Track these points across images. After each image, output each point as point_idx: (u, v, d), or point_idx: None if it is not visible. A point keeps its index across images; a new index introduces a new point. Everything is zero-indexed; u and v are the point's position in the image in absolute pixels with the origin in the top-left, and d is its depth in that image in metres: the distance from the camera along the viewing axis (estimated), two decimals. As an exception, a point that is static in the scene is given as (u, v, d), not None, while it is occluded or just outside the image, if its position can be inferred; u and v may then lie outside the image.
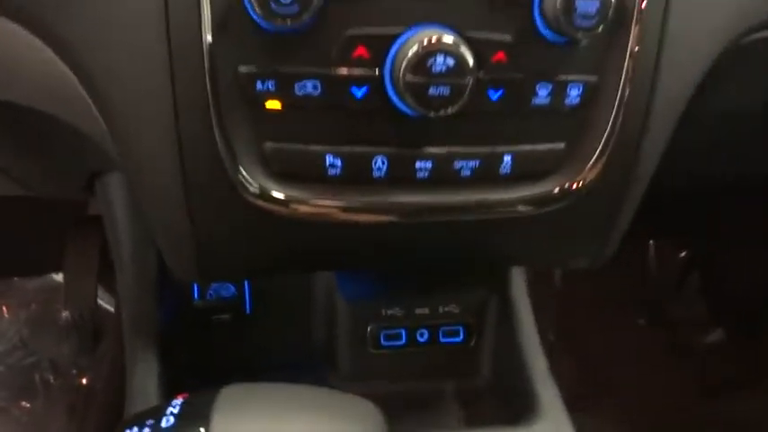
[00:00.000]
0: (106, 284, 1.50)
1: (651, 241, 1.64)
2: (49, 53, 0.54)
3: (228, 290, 0.82)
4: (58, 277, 1.55)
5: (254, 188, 0.55)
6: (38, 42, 0.54)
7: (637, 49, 0.56)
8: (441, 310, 0.81)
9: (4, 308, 1.51)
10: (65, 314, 1.48)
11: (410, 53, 0.50)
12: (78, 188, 0.89)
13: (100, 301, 1.50)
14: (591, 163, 0.58)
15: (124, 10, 0.50)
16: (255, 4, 0.47)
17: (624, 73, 0.56)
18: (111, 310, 1.48)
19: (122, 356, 0.84)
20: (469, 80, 0.51)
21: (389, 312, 0.80)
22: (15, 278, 1.55)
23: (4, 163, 0.84)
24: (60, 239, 1.47)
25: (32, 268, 1.55)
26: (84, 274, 1.46)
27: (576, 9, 0.50)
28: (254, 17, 0.48)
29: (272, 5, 0.47)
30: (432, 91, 0.50)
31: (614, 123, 0.57)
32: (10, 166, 0.85)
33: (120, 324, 0.87)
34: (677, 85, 0.60)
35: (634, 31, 0.55)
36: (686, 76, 0.61)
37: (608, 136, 0.58)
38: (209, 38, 0.50)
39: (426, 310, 0.81)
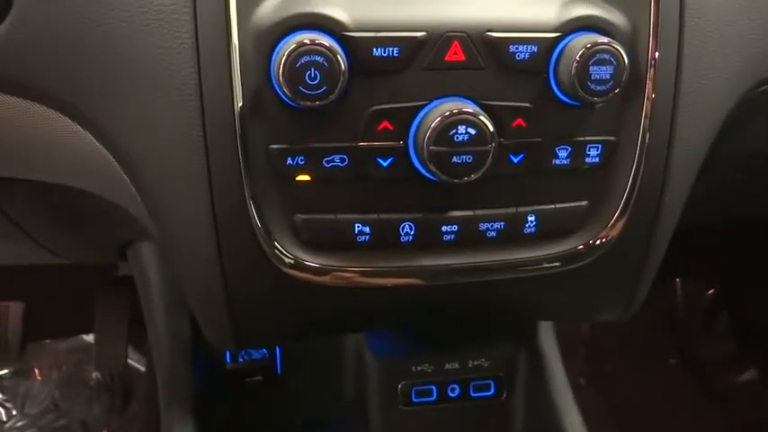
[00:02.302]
0: (136, 343, 1.52)
1: (678, 279, 1.63)
2: (88, 137, 0.57)
3: (260, 351, 0.83)
4: (89, 338, 1.57)
5: (288, 259, 0.56)
6: (78, 128, 0.56)
7: (652, 107, 0.57)
8: (471, 364, 0.81)
9: (36, 370, 1.52)
10: (95, 375, 1.49)
11: (432, 124, 0.52)
12: (110, 255, 0.91)
13: (130, 361, 1.52)
14: (614, 219, 0.59)
15: (161, 98, 0.53)
16: (285, 87, 0.49)
17: (641, 130, 0.58)
18: (142, 369, 1.49)
19: (153, 416, 0.85)
20: (491, 147, 0.53)
21: (419, 368, 0.80)
22: (47, 340, 1.57)
23: (40, 237, 0.86)
24: (90, 300, 1.50)
25: (63, 329, 1.57)
26: (115, 335, 1.48)
27: (590, 75, 0.52)
28: (284, 98, 0.51)
29: (301, 88, 0.49)
30: (455, 159, 0.52)
31: (635, 179, 0.59)
32: (46, 241, 0.87)
33: (151, 384, 0.88)
34: (695, 139, 0.61)
35: (648, 90, 0.57)
36: (703, 129, 0.62)
37: (629, 192, 0.59)
38: (240, 119, 0.52)
39: (456, 365, 0.81)
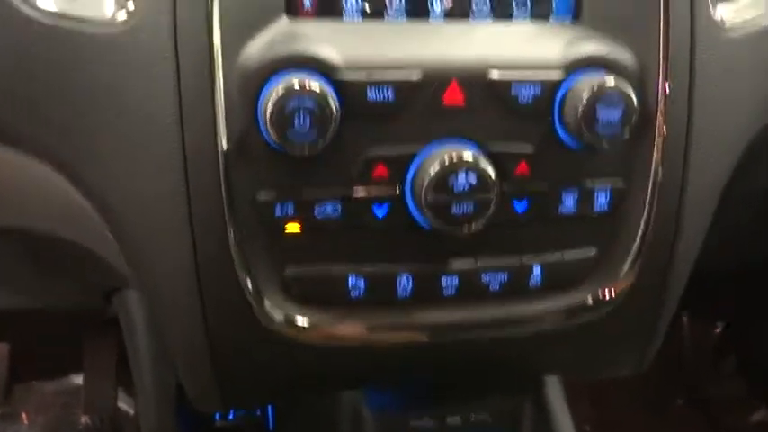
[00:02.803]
0: (126, 385, 1.47)
1: (684, 317, 1.59)
2: (64, 183, 0.54)
3: None
4: (78, 379, 1.52)
5: (277, 315, 0.53)
6: (53, 173, 0.53)
7: (663, 148, 0.54)
8: (473, 418, 0.77)
9: (23, 414, 1.48)
10: (84, 419, 1.44)
11: (431, 172, 0.48)
12: (95, 302, 0.88)
13: (120, 403, 1.47)
14: (624, 270, 0.56)
15: (140, 141, 0.50)
16: (272, 133, 0.46)
17: (652, 174, 0.55)
18: (132, 412, 1.44)
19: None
20: (493, 195, 0.49)
21: (419, 423, 0.76)
22: (34, 382, 1.52)
23: (18, 284, 0.83)
24: (78, 340, 1.46)
25: (50, 370, 1.52)
26: (103, 378, 1.43)
27: (598, 119, 0.49)
28: (271, 144, 0.47)
29: (289, 134, 0.46)
30: (455, 209, 0.49)
31: (646, 226, 0.55)
32: (25, 288, 0.84)
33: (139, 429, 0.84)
34: (709, 181, 0.59)
35: (659, 131, 0.54)
36: (717, 171, 0.59)
37: (641, 240, 0.56)
38: (225, 165, 0.49)
39: (458, 420, 0.77)
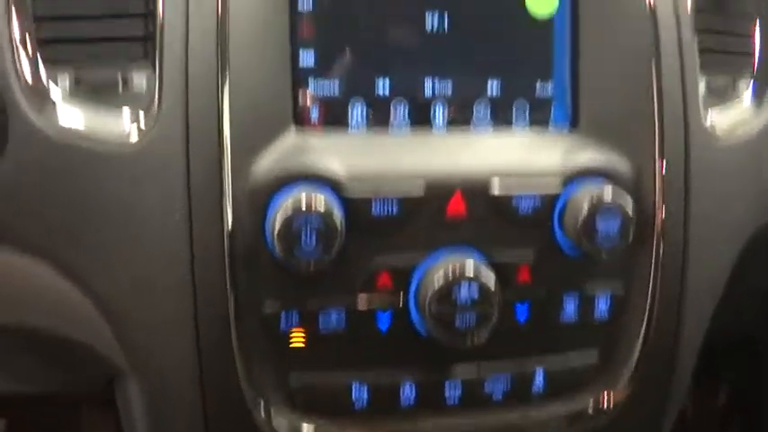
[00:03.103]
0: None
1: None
2: (69, 287, 0.54)
3: None
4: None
5: (281, 429, 0.52)
6: (59, 278, 0.54)
7: (662, 255, 0.55)
8: None
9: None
10: (80, 495, 1.41)
11: (435, 284, 0.49)
12: (95, 388, 0.87)
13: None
14: (626, 376, 0.56)
15: (153, 256, 0.50)
16: (279, 249, 0.47)
17: (651, 281, 0.55)
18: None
19: None
20: (495, 307, 0.50)
21: None
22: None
23: (17, 374, 0.82)
24: (77, 414, 1.43)
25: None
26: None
27: (597, 230, 0.50)
28: (278, 259, 0.48)
29: (295, 251, 0.47)
30: (458, 322, 0.49)
31: (647, 333, 0.56)
32: (25, 377, 0.83)
33: None
34: (707, 284, 0.59)
35: (657, 239, 0.55)
36: (714, 275, 0.60)
37: (642, 347, 0.56)
38: (231, 275, 0.50)
39: None
